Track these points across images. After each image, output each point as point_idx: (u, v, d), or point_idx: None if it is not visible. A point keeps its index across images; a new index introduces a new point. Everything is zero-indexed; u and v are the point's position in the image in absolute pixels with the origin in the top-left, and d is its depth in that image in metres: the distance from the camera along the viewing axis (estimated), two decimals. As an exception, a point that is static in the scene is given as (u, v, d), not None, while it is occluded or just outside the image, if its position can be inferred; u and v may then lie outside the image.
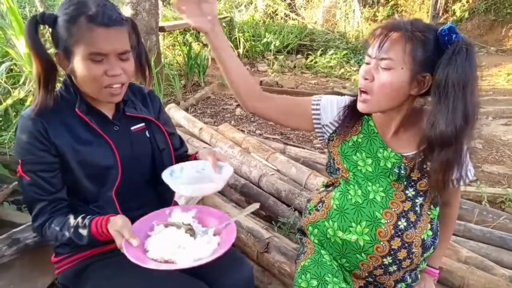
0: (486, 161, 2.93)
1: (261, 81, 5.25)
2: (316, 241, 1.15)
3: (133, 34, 0.97)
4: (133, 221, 0.96)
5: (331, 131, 1.10)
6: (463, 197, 2.16)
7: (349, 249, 1.06)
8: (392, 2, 10.22)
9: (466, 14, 9.23)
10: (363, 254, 1.04)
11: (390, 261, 1.03)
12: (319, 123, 1.11)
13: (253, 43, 6.63)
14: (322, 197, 1.13)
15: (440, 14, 9.61)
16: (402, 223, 1.01)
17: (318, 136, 1.15)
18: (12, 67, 3.15)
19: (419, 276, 1.17)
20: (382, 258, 1.03)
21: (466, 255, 1.61)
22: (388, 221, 1.01)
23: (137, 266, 0.84)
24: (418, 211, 1.04)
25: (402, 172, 1.00)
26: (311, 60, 6.45)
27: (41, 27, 0.91)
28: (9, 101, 2.67)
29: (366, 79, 0.93)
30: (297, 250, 1.29)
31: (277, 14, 8.64)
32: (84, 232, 0.94)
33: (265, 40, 6.60)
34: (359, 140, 1.05)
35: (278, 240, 1.63)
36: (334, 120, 1.09)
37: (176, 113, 3.23)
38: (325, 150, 1.24)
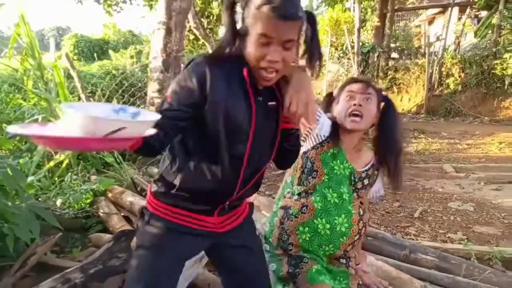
0: (477, 222, 3.16)
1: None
2: (301, 240, 1.45)
3: (309, 27, 1.03)
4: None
5: (320, 141, 1.46)
6: (454, 254, 2.39)
7: (335, 236, 1.42)
8: (390, 76, 11.06)
9: (460, 87, 9.89)
10: (344, 237, 1.42)
11: (357, 238, 1.46)
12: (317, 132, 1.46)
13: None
14: (304, 202, 1.46)
15: (435, 87, 10.33)
16: (361, 211, 1.48)
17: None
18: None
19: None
20: (355, 236, 1.44)
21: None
22: (355, 211, 1.44)
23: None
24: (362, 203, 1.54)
25: (356, 180, 1.45)
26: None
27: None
28: (52, 164, 3.09)
29: None
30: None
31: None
32: None
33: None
34: (335, 152, 1.45)
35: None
36: (324, 135, 1.46)
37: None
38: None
